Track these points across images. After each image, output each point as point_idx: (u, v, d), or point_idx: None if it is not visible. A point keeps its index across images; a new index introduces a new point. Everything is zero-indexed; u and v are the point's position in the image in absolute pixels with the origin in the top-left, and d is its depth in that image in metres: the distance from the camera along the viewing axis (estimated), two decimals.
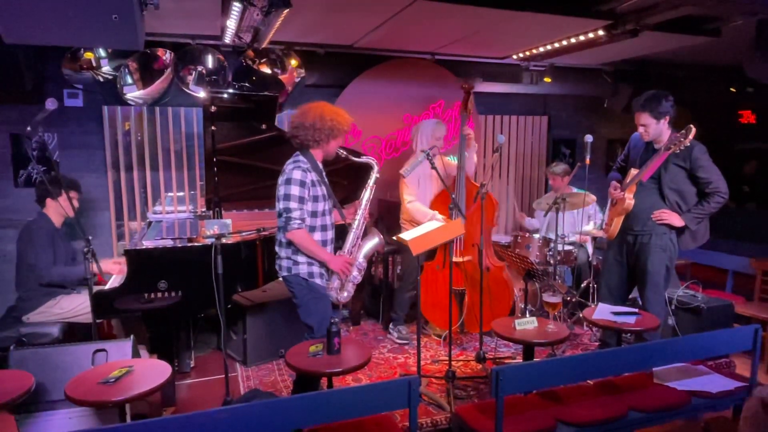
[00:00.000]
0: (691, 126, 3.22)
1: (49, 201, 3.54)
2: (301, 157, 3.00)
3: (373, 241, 3.24)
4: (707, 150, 3.42)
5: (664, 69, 5.96)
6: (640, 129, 3.47)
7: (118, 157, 4.80)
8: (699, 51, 5.03)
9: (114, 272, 3.55)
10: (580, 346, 4.32)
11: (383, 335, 4.58)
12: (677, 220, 3.42)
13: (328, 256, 3.02)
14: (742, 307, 4.23)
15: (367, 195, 3.26)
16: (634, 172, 3.51)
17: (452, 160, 4.45)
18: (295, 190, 2.89)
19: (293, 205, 2.89)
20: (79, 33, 2.68)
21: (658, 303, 3.52)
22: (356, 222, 3.21)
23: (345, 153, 3.18)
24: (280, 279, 3.14)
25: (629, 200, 3.46)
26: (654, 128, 3.42)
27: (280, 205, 2.94)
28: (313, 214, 2.99)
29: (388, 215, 5.00)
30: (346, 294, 3.14)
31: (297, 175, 2.90)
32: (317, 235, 3.02)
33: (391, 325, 4.52)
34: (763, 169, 7.11)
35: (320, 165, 3.06)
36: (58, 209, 3.54)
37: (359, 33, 4.49)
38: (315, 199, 2.98)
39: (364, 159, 3.30)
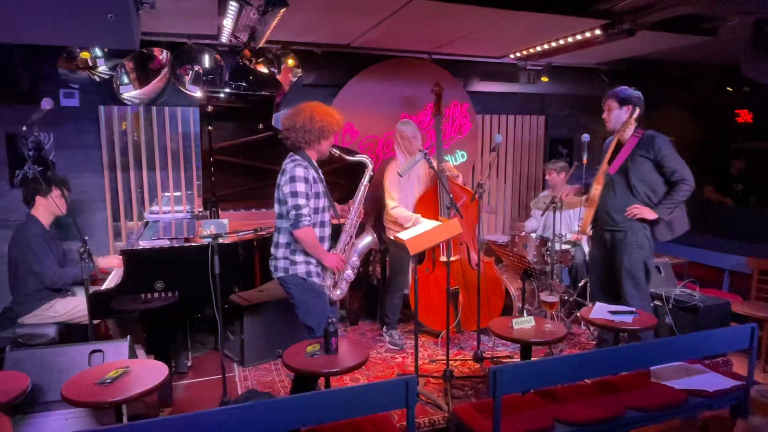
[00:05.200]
0: (636, 107, 3.50)
1: (39, 199, 3.47)
2: (297, 156, 3.00)
3: (367, 240, 3.25)
4: (670, 141, 3.56)
5: (661, 68, 5.97)
6: (605, 114, 3.66)
7: (115, 157, 4.78)
8: (696, 50, 5.04)
9: (115, 266, 3.55)
10: (577, 345, 4.33)
11: (381, 335, 4.57)
12: (650, 214, 3.49)
13: (324, 254, 3.04)
14: (739, 305, 4.24)
15: (361, 193, 3.25)
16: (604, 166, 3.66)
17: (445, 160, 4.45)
18: (301, 187, 2.88)
19: (302, 201, 2.88)
20: (75, 32, 2.68)
21: (642, 299, 3.57)
22: (349, 221, 3.21)
23: (338, 152, 3.17)
24: (275, 280, 3.12)
25: (595, 191, 3.58)
26: (616, 113, 3.58)
27: (288, 204, 2.91)
28: (315, 211, 3.00)
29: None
30: (339, 292, 3.15)
31: (300, 172, 2.90)
32: (317, 231, 3.03)
33: (384, 329, 4.45)
34: (758, 168, 7.13)
35: (315, 164, 3.07)
36: (48, 207, 3.50)
37: (356, 32, 4.48)
38: (317, 195, 3.00)
39: (358, 158, 3.29)
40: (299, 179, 2.89)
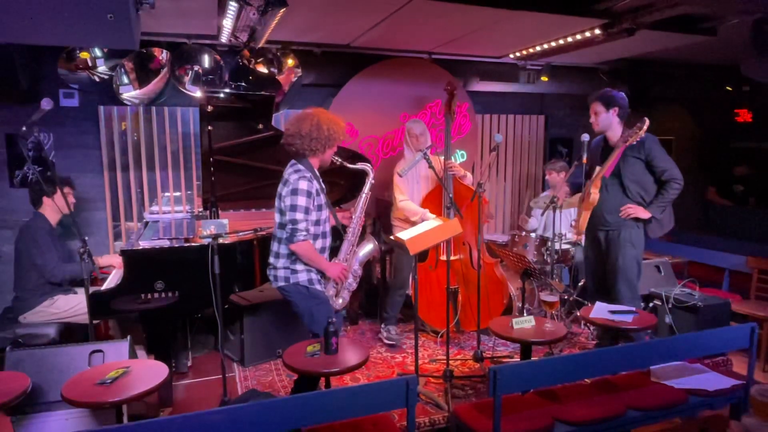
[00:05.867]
0: (645, 118, 3.45)
1: (45, 200, 3.55)
2: (300, 166, 2.95)
3: (368, 248, 3.25)
4: (659, 141, 3.62)
5: (661, 68, 5.97)
6: (591, 118, 3.71)
7: (115, 157, 4.79)
8: (695, 50, 5.04)
9: (116, 265, 3.58)
10: (577, 345, 4.33)
11: (380, 333, 4.57)
12: (644, 213, 3.56)
13: (326, 264, 3.03)
14: (739, 305, 4.25)
15: (362, 202, 3.25)
16: (598, 169, 3.67)
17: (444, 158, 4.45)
18: (302, 201, 2.85)
19: (299, 216, 2.86)
20: (75, 32, 2.68)
21: (634, 297, 3.62)
22: (351, 229, 3.21)
23: (339, 160, 3.17)
24: (276, 288, 3.10)
25: (594, 194, 3.60)
26: (603, 117, 3.64)
27: (285, 217, 2.89)
28: (316, 223, 2.98)
29: (385, 214, 5.00)
30: (341, 301, 3.15)
31: (303, 185, 2.86)
32: (319, 243, 3.02)
33: (382, 325, 4.46)
34: (758, 168, 7.13)
35: (317, 172, 3.05)
36: (54, 207, 3.56)
37: (356, 32, 4.48)
38: (319, 208, 2.98)
39: (360, 166, 3.27)
40: (302, 192, 2.85)
